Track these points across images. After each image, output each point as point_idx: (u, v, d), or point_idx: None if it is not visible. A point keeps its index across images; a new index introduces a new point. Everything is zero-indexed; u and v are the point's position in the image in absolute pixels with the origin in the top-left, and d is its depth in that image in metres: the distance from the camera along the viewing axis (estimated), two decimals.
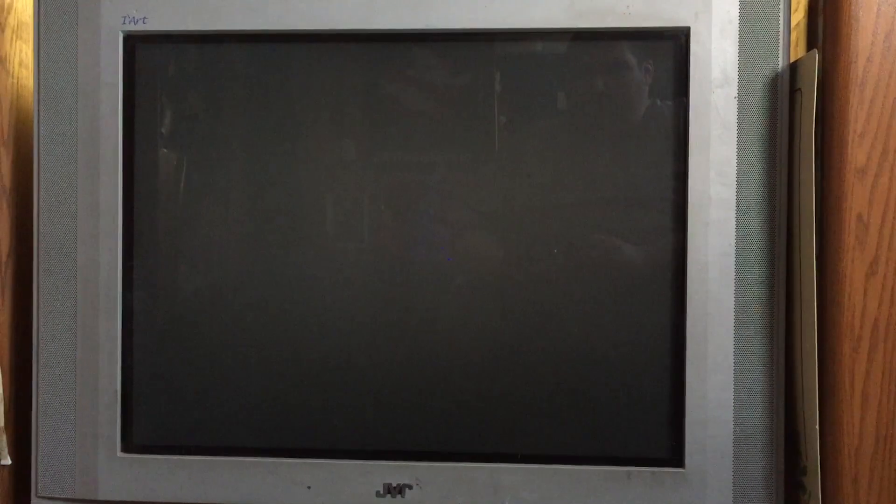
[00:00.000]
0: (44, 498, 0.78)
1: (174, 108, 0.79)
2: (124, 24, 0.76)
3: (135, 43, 0.77)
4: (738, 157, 0.74)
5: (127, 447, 0.78)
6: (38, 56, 0.77)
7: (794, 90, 0.74)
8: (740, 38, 0.73)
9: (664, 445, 0.75)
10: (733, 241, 0.74)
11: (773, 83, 0.73)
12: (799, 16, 0.79)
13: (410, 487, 0.76)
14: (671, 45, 0.74)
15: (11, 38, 0.81)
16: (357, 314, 0.78)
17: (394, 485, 0.76)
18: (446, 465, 0.76)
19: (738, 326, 0.74)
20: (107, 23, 0.76)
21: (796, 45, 0.79)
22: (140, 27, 0.76)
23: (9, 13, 0.81)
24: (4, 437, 0.78)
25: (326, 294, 0.78)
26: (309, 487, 0.76)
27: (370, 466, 0.76)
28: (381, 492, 0.76)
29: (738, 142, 0.73)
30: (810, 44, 0.77)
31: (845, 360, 0.70)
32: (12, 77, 0.81)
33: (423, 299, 0.77)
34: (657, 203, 0.75)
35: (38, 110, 0.77)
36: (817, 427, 0.70)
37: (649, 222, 0.76)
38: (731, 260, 0.74)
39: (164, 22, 0.76)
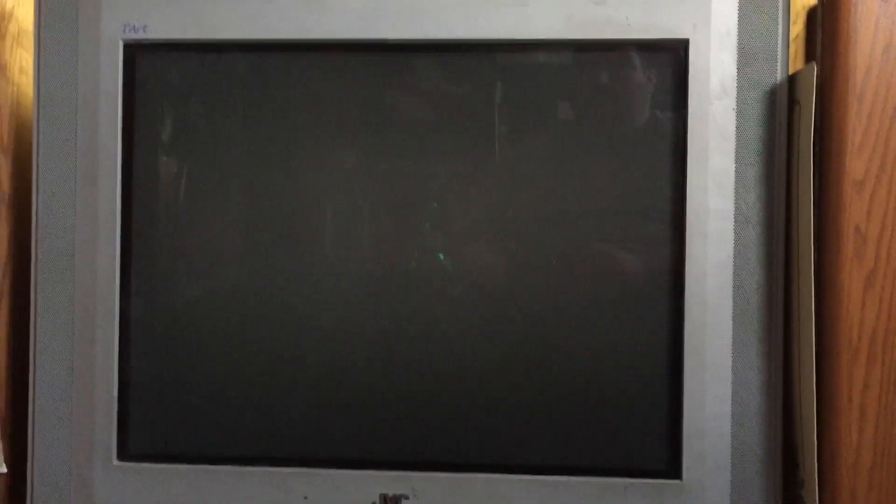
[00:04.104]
0: None
1: (174, 116, 0.79)
2: (125, 32, 0.77)
3: (135, 51, 0.77)
4: (737, 168, 0.74)
5: (123, 455, 0.77)
6: (38, 64, 0.77)
7: (792, 102, 0.74)
8: (739, 50, 0.74)
9: (662, 457, 0.75)
10: (731, 252, 0.74)
11: (772, 95, 0.73)
12: (798, 28, 0.79)
13: (407, 497, 0.76)
14: (670, 57, 0.75)
15: (12, 46, 0.82)
16: (355, 324, 0.78)
17: (390, 495, 0.76)
18: (443, 475, 0.75)
19: (735, 337, 0.74)
20: (107, 31, 0.77)
21: (795, 57, 0.79)
22: (140, 36, 0.77)
23: (9, 21, 0.81)
24: (0, 445, 0.78)
25: (324, 304, 0.78)
26: (305, 497, 0.76)
27: (367, 476, 0.76)
28: (378, 502, 0.76)
29: (737, 153, 0.74)
30: (809, 56, 0.77)
31: (843, 371, 0.70)
32: (12, 84, 0.81)
33: (422, 309, 0.77)
34: (655, 213, 0.75)
35: (38, 118, 0.78)
36: (815, 439, 0.70)
37: (647, 233, 0.76)
38: (729, 271, 0.74)
39: (165, 30, 0.76)
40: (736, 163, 0.74)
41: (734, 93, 0.73)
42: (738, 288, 0.74)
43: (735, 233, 0.74)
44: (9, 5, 0.82)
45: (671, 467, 0.74)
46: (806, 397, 0.71)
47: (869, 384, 0.70)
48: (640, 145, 0.76)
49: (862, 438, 0.70)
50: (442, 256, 0.77)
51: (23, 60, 0.83)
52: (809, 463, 0.71)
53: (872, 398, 0.70)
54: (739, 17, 0.73)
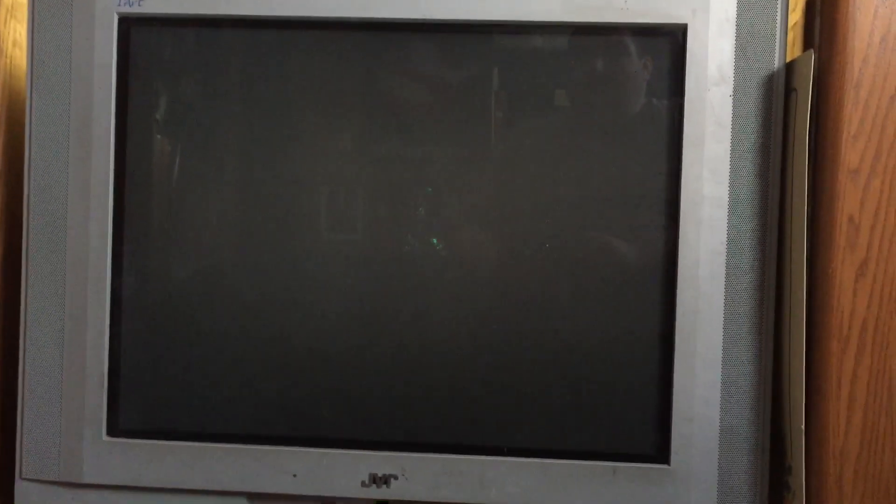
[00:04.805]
0: (28, 480, 0.78)
1: (168, 92, 0.78)
2: (119, 5, 0.76)
3: (129, 25, 0.76)
4: (732, 155, 0.74)
5: (113, 431, 0.77)
6: (32, 36, 0.77)
7: (789, 90, 0.74)
8: (737, 36, 0.73)
9: (650, 442, 0.75)
10: (725, 240, 0.74)
11: (769, 82, 0.73)
12: (796, 16, 0.79)
13: (396, 478, 0.76)
14: (668, 42, 0.74)
15: (6, 18, 0.81)
16: (347, 304, 0.78)
17: (379, 475, 0.76)
18: (432, 456, 0.76)
19: (727, 324, 0.74)
20: (102, 4, 0.76)
21: (793, 44, 0.79)
22: (135, 9, 0.76)
23: None
24: None
25: (316, 283, 0.78)
26: (294, 475, 0.76)
27: (356, 456, 0.76)
28: (367, 481, 0.76)
29: (733, 140, 0.73)
30: (807, 44, 0.77)
31: (833, 360, 0.70)
32: (5, 57, 0.80)
33: (414, 291, 0.77)
34: (650, 200, 0.75)
35: (31, 91, 0.77)
36: (803, 426, 0.71)
37: (642, 219, 0.76)
38: (722, 258, 0.74)
39: (160, 5, 0.76)
40: (731, 150, 0.74)
41: (731, 79, 0.73)
42: (730, 275, 0.74)
43: (729, 220, 0.74)
44: None
45: (659, 452, 0.75)
46: (795, 385, 0.72)
47: (858, 373, 0.70)
48: (635, 131, 0.76)
49: (850, 427, 0.70)
50: (435, 241, 0.77)
51: (17, 33, 0.82)
52: (796, 449, 0.71)
53: (861, 387, 0.70)
54: (738, 3, 0.73)
